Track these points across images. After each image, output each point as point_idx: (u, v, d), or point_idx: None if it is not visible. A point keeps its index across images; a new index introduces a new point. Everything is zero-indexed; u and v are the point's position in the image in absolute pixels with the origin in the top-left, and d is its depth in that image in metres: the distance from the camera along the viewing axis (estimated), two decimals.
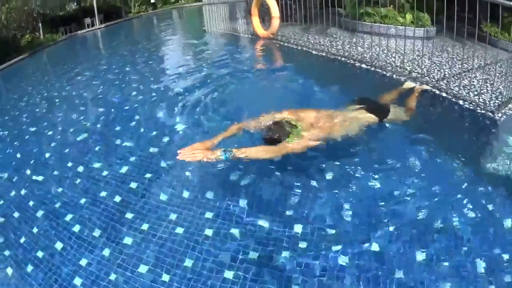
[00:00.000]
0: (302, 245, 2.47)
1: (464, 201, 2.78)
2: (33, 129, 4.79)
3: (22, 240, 2.86)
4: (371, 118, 3.56)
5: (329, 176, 3.12)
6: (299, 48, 7.13)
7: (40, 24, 14.32)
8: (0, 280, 2.56)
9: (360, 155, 3.32)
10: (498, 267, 2.27)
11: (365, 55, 6.25)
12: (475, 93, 4.67)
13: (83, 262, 2.53)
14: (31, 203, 3.25)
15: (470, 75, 5.33)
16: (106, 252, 2.58)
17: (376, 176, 3.04)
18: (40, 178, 3.58)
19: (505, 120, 4.09)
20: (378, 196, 2.85)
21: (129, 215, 2.87)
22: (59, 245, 2.71)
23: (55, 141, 4.27)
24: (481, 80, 5.04)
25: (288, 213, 2.76)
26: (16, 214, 3.16)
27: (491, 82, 5.01)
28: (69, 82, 6.70)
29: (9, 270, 2.61)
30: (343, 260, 2.33)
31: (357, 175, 3.09)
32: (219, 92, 4.94)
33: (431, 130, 3.89)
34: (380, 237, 2.46)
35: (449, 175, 3.09)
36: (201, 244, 2.54)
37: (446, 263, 2.29)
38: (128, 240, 2.64)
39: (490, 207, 2.74)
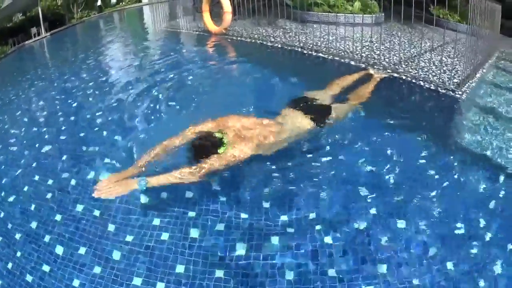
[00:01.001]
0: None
1: (435, 175, 2.83)
2: None
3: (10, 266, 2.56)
4: (308, 123, 3.29)
5: (265, 190, 2.77)
6: (253, 41, 6.96)
7: None
8: None
9: (308, 159, 3.06)
10: (471, 228, 2.39)
11: (319, 44, 6.20)
12: (433, 74, 4.73)
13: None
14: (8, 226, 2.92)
15: (426, 57, 5.40)
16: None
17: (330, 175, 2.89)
18: (11, 198, 3.19)
19: (466, 98, 4.16)
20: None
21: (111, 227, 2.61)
22: (46, 267, 2.45)
23: (20, 156, 3.87)
24: (437, 61, 5.13)
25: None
26: None
27: (447, 62, 5.11)
28: (27, 94, 6.24)
29: None
30: None
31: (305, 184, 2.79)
32: (174, 92, 4.69)
33: (395, 113, 3.89)
34: None
35: (416, 154, 3.10)
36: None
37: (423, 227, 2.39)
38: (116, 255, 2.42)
39: (456, 175, 2.87)
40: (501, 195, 2.67)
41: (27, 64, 10.61)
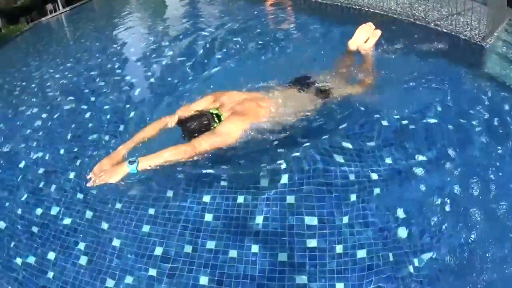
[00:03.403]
0: None
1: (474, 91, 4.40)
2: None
3: None
4: (313, 97, 3.34)
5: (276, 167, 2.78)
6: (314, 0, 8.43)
7: None
8: None
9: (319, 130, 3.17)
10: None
11: (373, 2, 7.79)
12: (464, 29, 6.46)
13: None
14: None
15: (454, 18, 7.11)
16: None
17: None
18: None
19: (490, 46, 5.94)
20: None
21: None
22: None
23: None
24: (463, 22, 6.85)
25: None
26: None
27: (471, 23, 6.83)
28: (57, 68, 6.80)
29: None
30: None
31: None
32: (239, 60, 5.31)
33: (442, 54, 5.55)
34: None
35: (460, 82, 4.61)
36: None
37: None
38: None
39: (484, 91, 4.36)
40: None
41: (49, 38, 10.80)
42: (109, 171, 2.49)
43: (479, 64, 5.44)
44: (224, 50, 5.78)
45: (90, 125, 4.17)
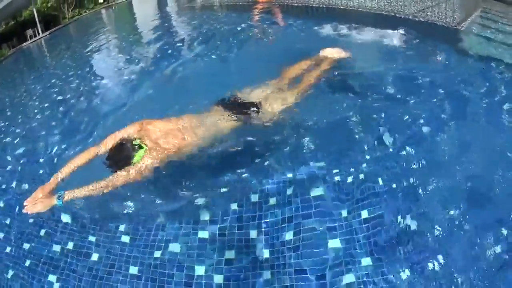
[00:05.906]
0: None
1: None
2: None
3: None
4: (233, 122, 3.40)
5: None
6: (300, 5, 8.98)
7: None
8: None
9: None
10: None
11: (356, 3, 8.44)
12: (440, 17, 7.07)
13: None
14: None
15: (430, 11, 7.74)
16: None
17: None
18: None
19: (465, 29, 6.52)
20: None
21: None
22: None
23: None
24: (439, 12, 7.47)
25: None
26: None
27: (446, 12, 7.45)
28: (37, 88, 7.41)
29: None
30: None
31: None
32: (222, 70, 5.90)
33: (424, 39, 6.13)
34: None
35: (439, 58, 5.26)
36: None
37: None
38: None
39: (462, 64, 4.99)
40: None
41: (36, 61, 11.60)
42: (40, 202, 2.73)
43: (455, 42, 6.01)
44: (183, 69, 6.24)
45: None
